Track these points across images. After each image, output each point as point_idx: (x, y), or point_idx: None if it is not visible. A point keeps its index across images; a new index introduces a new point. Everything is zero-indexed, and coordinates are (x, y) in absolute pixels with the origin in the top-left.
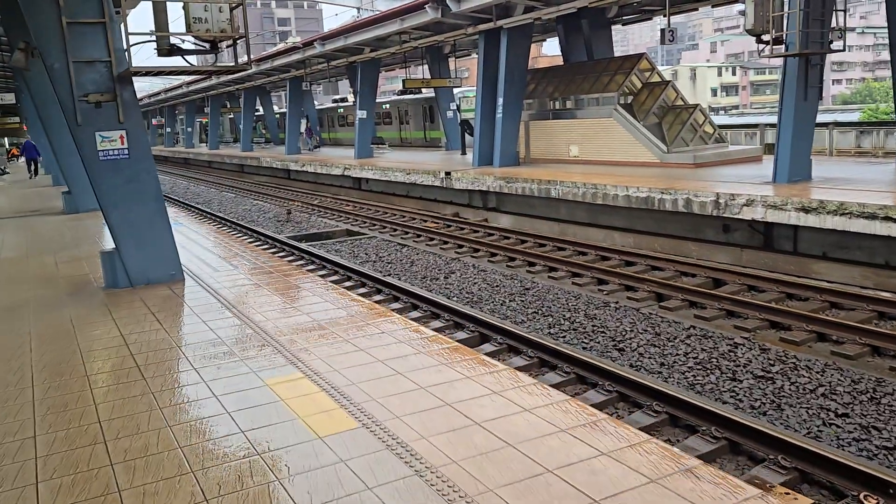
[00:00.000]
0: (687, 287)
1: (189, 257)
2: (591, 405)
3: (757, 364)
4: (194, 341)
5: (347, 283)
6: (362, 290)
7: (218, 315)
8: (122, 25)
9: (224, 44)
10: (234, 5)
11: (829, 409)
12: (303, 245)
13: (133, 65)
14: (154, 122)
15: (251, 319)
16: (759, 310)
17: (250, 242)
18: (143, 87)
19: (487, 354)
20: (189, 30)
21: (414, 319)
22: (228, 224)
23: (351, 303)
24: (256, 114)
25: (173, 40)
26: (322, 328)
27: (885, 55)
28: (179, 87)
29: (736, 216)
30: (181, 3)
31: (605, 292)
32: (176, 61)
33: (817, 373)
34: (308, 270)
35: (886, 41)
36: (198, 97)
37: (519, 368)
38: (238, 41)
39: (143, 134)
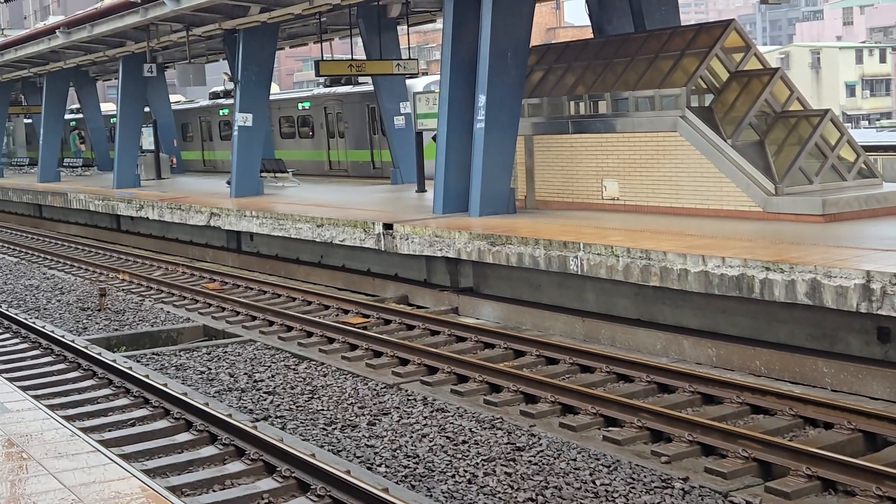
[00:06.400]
0: (820, 454)
1: None
2: None
3: None
4: None
5: (182, 437)
6: (208, 453)
7: None
8: None
9: None
10: None
11: None
12: (113, 358)
13: None
14: None
15: None
16: None
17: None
18: None
19: None
20: None
21: None
22: None
23: None
24: (74, 116)
25: None
26: None
27: None
28: None
29: None
30: None
31: (663, 458)
32: None
33: None
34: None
35: None
36: None
37: None
38: None
39: None
